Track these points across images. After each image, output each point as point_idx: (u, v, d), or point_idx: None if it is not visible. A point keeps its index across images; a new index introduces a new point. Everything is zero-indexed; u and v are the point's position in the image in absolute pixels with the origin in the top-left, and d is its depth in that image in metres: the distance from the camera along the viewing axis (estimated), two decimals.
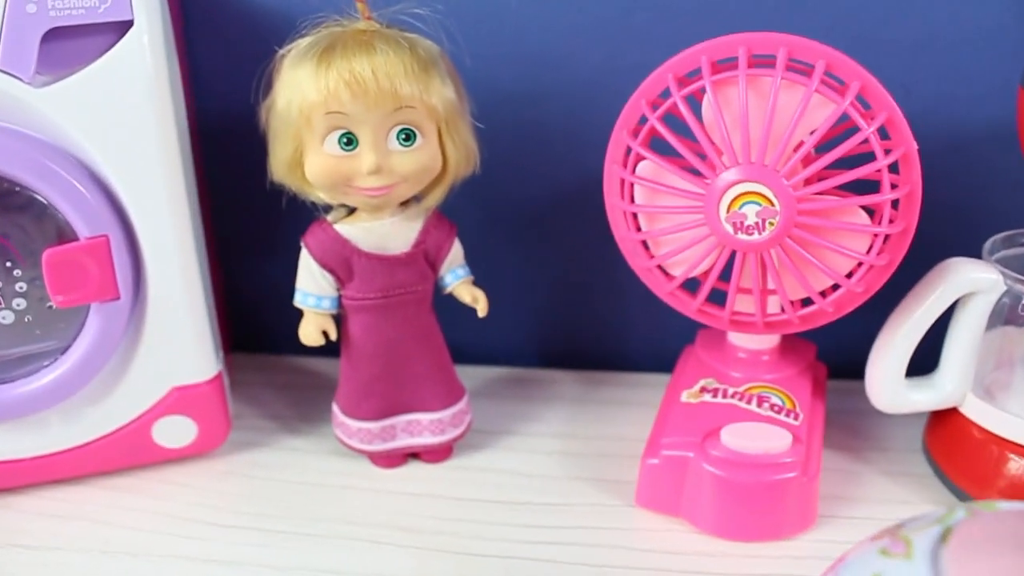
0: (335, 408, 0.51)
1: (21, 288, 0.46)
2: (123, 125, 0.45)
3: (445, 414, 0.51)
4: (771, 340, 0.51)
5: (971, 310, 0.47)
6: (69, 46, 0.44)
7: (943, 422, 0.50)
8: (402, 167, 0.45)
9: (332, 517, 0.48)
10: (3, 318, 0.47)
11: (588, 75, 0.55)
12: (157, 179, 0.46)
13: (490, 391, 0.59)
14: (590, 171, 0.57)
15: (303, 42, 0.45)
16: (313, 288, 0.48)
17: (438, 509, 0.49)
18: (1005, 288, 0.46)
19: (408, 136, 0.44)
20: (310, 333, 0.49)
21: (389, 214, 0.47)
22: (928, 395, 0.49)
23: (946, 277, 0.46)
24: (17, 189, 0.45)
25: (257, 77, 0.46)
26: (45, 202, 0.45)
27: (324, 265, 0.47)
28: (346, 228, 0.47)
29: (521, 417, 0.56)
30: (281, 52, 0.45)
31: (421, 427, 0.51)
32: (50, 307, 0.46)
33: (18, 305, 0.47)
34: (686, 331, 0.55)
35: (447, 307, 0.51)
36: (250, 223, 0.61)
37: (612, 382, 0.60)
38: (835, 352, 0.55)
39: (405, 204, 0.48)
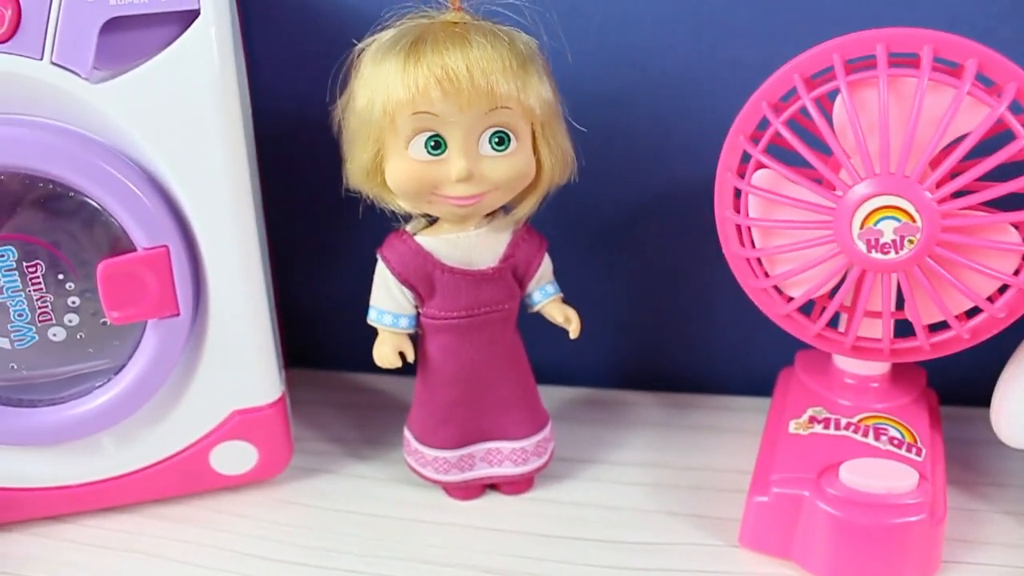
0: (407, 434, 0.47)
1: (73, 303, 0.42)
2: (186, 125, 0.41)
3: (529, 443, 0.47)
4: (882, 365, 0.47)
5: None
6: (130, 38, 0.40)
7: None
8: (494, 174, 0.41)
9: (402, 554, 0.44)
10: (54, 335, 0.43)
11: (679, 76, 0.51)
12: (222, 185, 0.42)
13: (568, 414, 0.55)
14: (677, 179, 0.53)
15: (386, 35, 0.40)
16: (390, 305, 0.44)
17: (522, 547, 0.44)
18: None
19: (502, 140, 0.40)
20: (386, 354, 0.44)
21: (475, 225, 0.43)
22: None
23: None
24: (70, 194, 0.41)
25: (333, 73, 0.42)
26: (99, 208, 0.41)
27: (404, 281, 0.43)
28: (428, 240, 0.43)
29: (604, 443, 0.52)
30: (360, 46, 0.41)
31: (502, 456, 0.47)
32: (104, 323, 0.42)
33: (70, 321, 0.43)
34: (779, 351, 0.51)
35: (521, 323, 0.47)
36: (308, 232, 0.57)
37: (699, 405, 0.55)
38: (939, 376, 0.50)
39: (491, 215, 0.44)
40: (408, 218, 0.44)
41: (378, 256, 0.44)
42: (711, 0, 0.49)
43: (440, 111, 0.39)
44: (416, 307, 0.44)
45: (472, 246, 0.43)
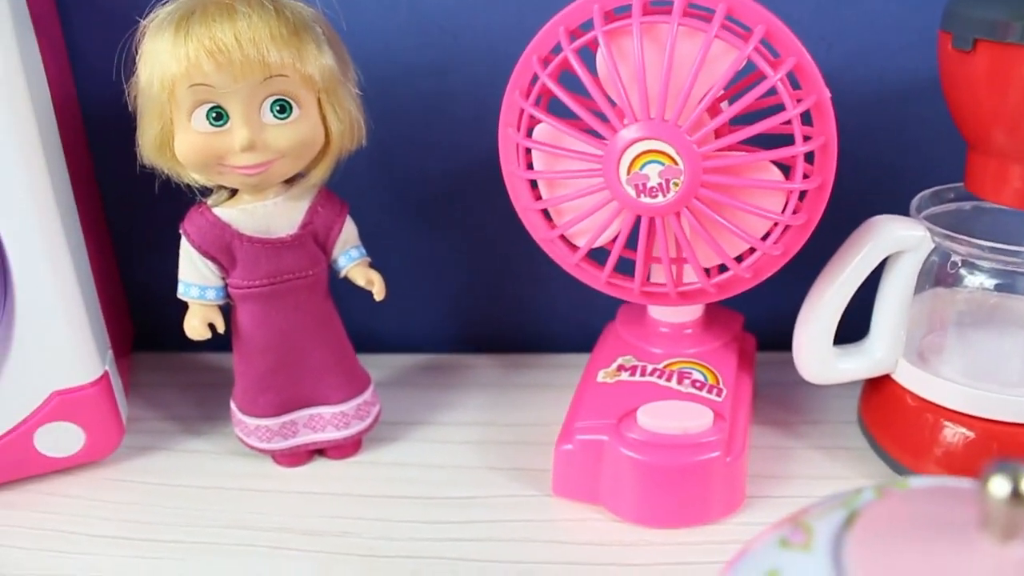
0: (232, 406, 0.48)
1: None
2: None
3: (349, 406, 0.47)
4: (694, 312, 0.48)
5: (899, 270, 0.44)
6: None
7: (876, 391, 0.47)
8: (278, 142, 0.41)
9: (230, 523, 0.45)
10: None
11: (492, 41, 0.52)
12: (17, 178, 0.42)
13: (404, 379, 0.56)
14: (497, 142, 0.54)
15: (164, 10, 0.41)
16: (196, 278, 0.44)
17: (344, 508, 0.45)
18: (933, 245, 0.43)
19: (283, 108, 0.41)
20: (196, 327, 0.45)
21: (272, 194, 0.44)
22: (858, 363, 0.46)
23: (872, 235, 0.43)
24: None
25: (119, 50, 0.43)
26: None
27: (204, 252, 0.44)
28: (226, 212, 0.44)
29: (437, 406, 0.53)
30: (144, 23, 0.42)
31: (324, 421, 0.47)
32: None
33: None
34: (611, 308, 0.52)
35: (356, 292, 0.48)
36: (146, 214, 0.57)
37: (533, 364, 0.56)
38: (766, 322, 0.52)
39: (290, 183, 0.44)
40: (210, 192, 0.44)
41: (180, 230, 0.44)
42: None
43: (215, 83, 0.39)
44: (222, 278, 0.45)
45: (269, 214, 0.44)
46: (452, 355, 0.58)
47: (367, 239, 0.47)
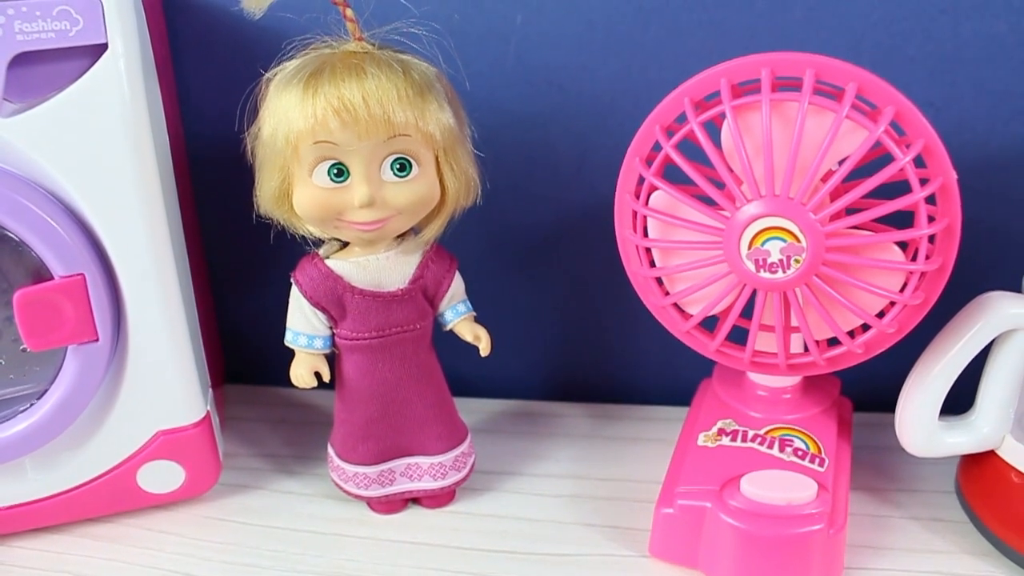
0: (330, 451, 0.49)
1: None
2: (98, 157, 0.42)
3: (446, 457, 0.48)
4: (793, 377, 0.48)
5: (1010, 347, 0.43)
6: (39, 72, 0.41)
7: (979, 464, 0.47)
8: (397, 199, 0.42)
9: (321, 568, 0.45)
10: None
11: (598, 94, 0.52)
12: (136, 214, 0.43)
13: (495, 427, 0.56)
14: (599, 195, 0.54)
15: (290, 65, 0.42)
16: (305, 327, 0.45)
17: (439, 560, 0.46)
18: None
19: (403, 166, 0.41)
20: (303, 375, 0.46)
21: (384, 248, 0.44)
22: (964, 437, 0.45)
23: (983, 313, 0.43)
24: None
25: (242, 103, 0.43)
26: (16, 239, 0.42)
27: (316, 303, 0.44)
28: (338, 264, 0.44)
29: (528, 455, 0.53)
30: (267, 76, 0.42)
31: (421, 471, 0.48)
32: (24, 350, 0.43)
33: None
34: (702, 362, 0.51)
35: (449, 337, 0.48)
36: (244, 252, 0.58)
37: (624, 416, 0.56)
38: (859, 382, 0.52)
39: (401, 237, 0.45)
40: (321, 242, 0.45)
41: (292, 280, 0.45)
42: (625, 20, 0.50)
43: (340, 140, 0.40)
44: (330, 328, 0.45)
45: (382, 268, 0.44)
46: (541, 402, 0.58)
47: (471, 291, 0.48)
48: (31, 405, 0.45)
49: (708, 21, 0.50)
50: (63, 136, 0.41)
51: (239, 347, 0.61)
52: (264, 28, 0.52)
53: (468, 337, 0.47)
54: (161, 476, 0.48)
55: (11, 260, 0.43)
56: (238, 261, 0.59)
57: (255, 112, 0.43)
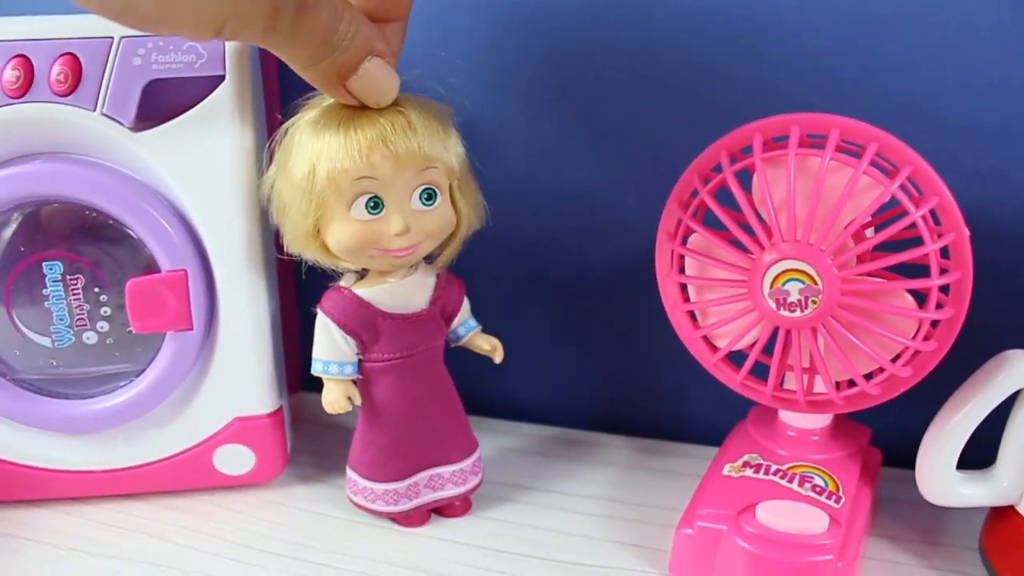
0: (351, 475, 0.52)
1: (106, 312, 0.50)
2: (208, 170, 0.48)
3: (466, 463, 0.52)
4: (822, 420, 0.50)
5: None
6: (167, 97, 0.48)
7: (999, 521, 0.48)
8: (427, 226, 0.46)
9: (366, 553, 0.50)
10: (88, 338, 0.51)
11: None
12: (235, 222, 0.49)
13: (544, 449, 0.60)
14: (654, 231, 0.58)
15: (315, 111, 0.45)
16: (335, 355, 0.48)
17: (471, 557, 0.50)
18: None
19: (430, 195, 0.45)
20: (338, 401, 0.48)
21: (403, 273, 0.48)
22: (982, 490, 0.47)
23: (1004, 369, 0.45)
24: (110, 223, 0.49)
25: (266, 149, 0.48)
26: (133, 235, 0.49)
27: (349, 330, 0.48)
28: (366, 291, 0.48)
29: (567, 477, 0.57)
30: (286, 124, 0.46)
31: (443, 480, 0.52)
32: (130, 332, 0.50)
33: (102, 328, 0.51)
34: (746, 407, 0.54)
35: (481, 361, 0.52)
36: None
37: (666, 451, 0.60)
38: (895, 438, 0.53)
39: (415, 264, 0.49)
40: (339, 274, 0.49)
41: (318, 311, 0.48)
42: (674, 80, 0.54)
43: (380, 175, 0.44)
44: (358, 354, 0.49)
45: (405, 292, 0.49)
46: (588, 432, 0.62)
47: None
48: (130, 381, 0.51)
49: (758, 78, 0.53)
50: (181, 151, 0.48)
51: None
52: None
53: (486, 347, 0.52)
54: (234, 459, 0.53)
55: (128, 254, 0.50)
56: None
57: (267, 161, 0.47)
